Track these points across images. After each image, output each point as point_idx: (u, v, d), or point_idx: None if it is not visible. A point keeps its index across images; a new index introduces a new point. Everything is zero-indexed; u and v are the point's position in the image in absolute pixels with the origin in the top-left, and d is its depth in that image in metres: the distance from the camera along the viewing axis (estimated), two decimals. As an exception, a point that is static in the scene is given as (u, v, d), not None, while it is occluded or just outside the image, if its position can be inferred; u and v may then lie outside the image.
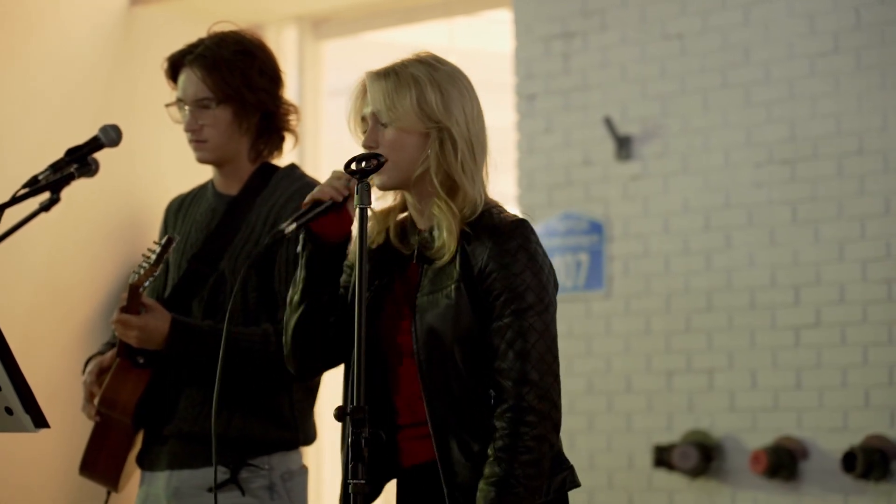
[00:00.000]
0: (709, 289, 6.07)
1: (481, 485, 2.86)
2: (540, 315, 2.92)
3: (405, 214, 3.09)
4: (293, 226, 2.91)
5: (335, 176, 2.98)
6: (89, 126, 3.50)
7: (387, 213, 3.09)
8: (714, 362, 6.04)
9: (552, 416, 2.92)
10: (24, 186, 3.32)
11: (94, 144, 3.41)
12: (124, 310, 3.53)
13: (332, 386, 3.41)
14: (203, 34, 3.78)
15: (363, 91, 3.02)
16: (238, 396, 3.59)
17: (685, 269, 6.16)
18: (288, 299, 3.05)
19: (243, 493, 3.57)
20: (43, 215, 3.32)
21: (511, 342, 2.91)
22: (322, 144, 7.75)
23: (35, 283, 6.65)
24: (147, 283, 3.52)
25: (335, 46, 8.07)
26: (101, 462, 3.67)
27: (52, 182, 3.33)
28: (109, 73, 7.01)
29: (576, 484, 3.00)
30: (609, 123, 6.29)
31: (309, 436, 3.73)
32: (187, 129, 3.70)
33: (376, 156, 2.86)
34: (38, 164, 3.40)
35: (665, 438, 6.08)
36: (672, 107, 6.22)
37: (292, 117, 3.78)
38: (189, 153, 3.79)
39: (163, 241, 3.49)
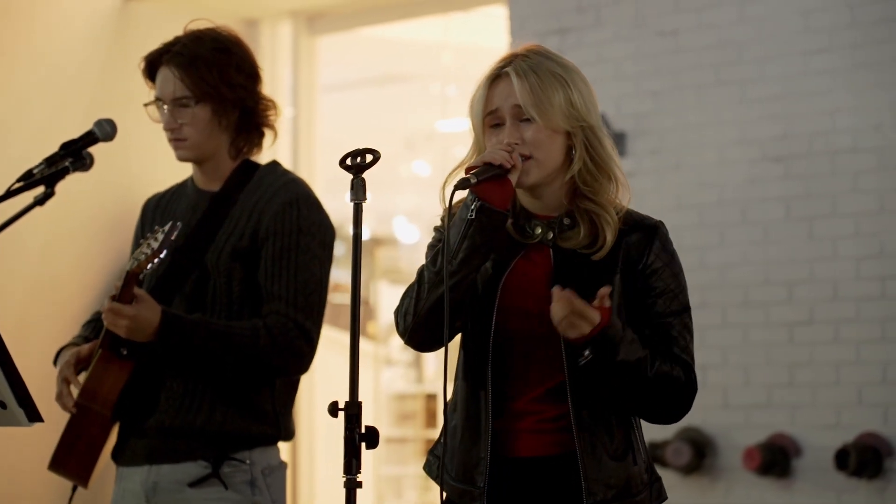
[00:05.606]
0: (702, 285, 6.07)
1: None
2: (692, 318, 2.94)
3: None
4: (475, 179, 2.75)
5: (500, 146, 2.84)
6: (84, 120, 3.50)
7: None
8: (707, 359, 6.04)
9: (690, 402, 2.96)
10: (18, 180, 3.32)
11: (89, 138, 3.41)
12: (116, 298, 3.48)
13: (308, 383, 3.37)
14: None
15: (491, 84, 2.91)
16: (219, 390, 3.59)
17: (679, 265, 6.15)
18: (432, 271, 2.84)
19: (226, 488, 3.56)
20: (37, 209, 3.32)
21: (676, 340, 2.90)
22: (316, 140, 7.73)
23: (29, 276, 6.65)
24: (148, 268, 3.45)
25: (330, 42, 8.08)
26: (73, 457, 3.62)
27: (46, 176, 3.34)
28: (104, 68, 7.01)
29: (665, 496, 3.00)
30: (603, 120, 6.28)
31: (289, 431, 3.72)
32: (167, 128, 3.69)
33: (372, 150, 2.72)
34: (33, 158, 3.41)
35: (658, 435, 6.08)
36: (666, 104, 6.22)
37: (271, 113, 3.77)
38: (183, 148, 3.78)
39: (166, 227, 3.45)
